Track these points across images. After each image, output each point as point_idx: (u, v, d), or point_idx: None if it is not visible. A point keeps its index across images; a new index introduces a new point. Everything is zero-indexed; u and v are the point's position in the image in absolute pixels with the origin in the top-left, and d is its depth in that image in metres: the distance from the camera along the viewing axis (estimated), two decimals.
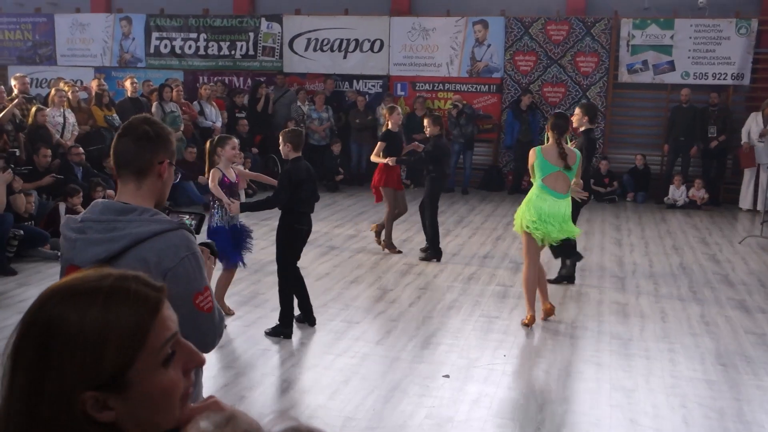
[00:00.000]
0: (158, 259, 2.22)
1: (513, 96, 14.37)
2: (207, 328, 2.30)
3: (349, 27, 15.03)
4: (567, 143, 6.64)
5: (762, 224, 10.55)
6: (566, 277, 7.95)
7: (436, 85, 14.81)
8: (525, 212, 6.54)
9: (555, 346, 6.20)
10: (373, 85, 15.07)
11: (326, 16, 15.15)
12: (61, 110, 11.09)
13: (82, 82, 14.20)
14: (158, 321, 1.15)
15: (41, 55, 16.59)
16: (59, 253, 2.45)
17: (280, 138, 6.36)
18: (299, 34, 15.31)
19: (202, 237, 3.83)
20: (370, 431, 4.60)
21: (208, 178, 6.41)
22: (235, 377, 5.50)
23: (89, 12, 16.49)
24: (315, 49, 15.27)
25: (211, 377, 5.31)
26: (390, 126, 8.99)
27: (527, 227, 6.49)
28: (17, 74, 11.95)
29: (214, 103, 13.64)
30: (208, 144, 6.57)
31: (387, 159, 8.80)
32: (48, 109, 10.87)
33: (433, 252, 8.92)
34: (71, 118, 11.27)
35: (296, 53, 15.37)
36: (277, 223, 6.39)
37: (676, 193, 13.05)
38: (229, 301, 6.84)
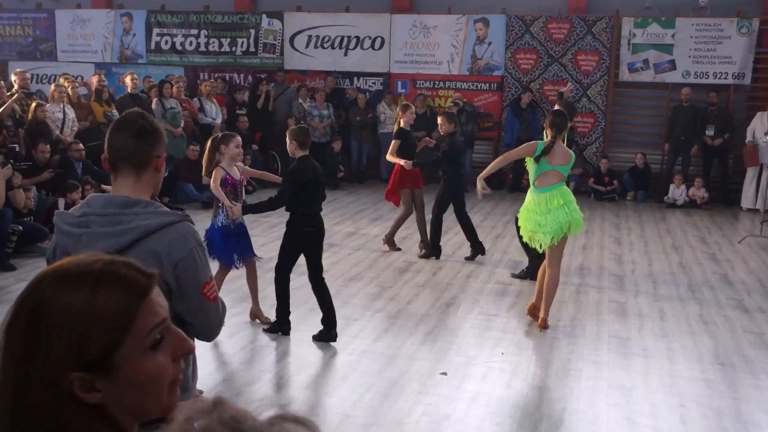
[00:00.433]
0: (168, 250, 2.28)
1: (514, 94, 14.36)
2: (212, 317, 2.42)
3: (350, 24, 15.01)
4: (564, 142, 6.64)
5: (762, 224, 10.54)
6: (529, 274, 7.85)
7: (437, 82, 14.79)
8: (525, 224, 6.58)
9: (553, 344, 6.20)
10: (374, 83, 15.06)
11: (327, 13, 15.14)
12: (61, 106, 11.08)
13: (82, 78, 14.20)
14: (146, 305, 1.16)
15: (42, 50, 16.58)
16: (50, 248, 2.43)
17: (287, 136, 6.16)
18: (300, 31, 15.30)
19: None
20: (367, 428, 4.60)
21: (209, 176, 6.27)
22: (233, 373, 5.50)
23: (90, 8, 16.48)
24: (316, 46, 15.26)
25: (209, 373, 5.30)
26: (402, 124, 8.91)
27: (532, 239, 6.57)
28: (17, 69, 11.95)
29: (215, 100, 13.63)
30: (210, 142, 6.38)
31: (404, 162, 8.73)
32: (48, 105, 10.87)
33: (432, 250, 8.92)
34: (71, 113, 11.27)
35: (297, 50, 15.36)
36: (278, 219, 6.36)
37: (676, 192, 13.04)
38: (227, 297, 6.81)
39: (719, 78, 13.53)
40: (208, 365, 5.46)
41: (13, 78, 11.44)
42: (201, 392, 4.21)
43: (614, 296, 7.56)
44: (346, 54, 15.13)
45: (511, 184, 14.00)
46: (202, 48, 15.83)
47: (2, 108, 10.09)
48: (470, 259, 8.83)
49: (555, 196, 6.42)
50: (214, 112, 13.42)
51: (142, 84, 13.35)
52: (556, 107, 7.55)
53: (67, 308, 1.12)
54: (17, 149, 9.45)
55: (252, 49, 15.59)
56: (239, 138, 6.48)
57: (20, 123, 10.40)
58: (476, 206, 12.37)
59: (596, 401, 5.12)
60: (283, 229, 6.24)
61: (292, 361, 5.82)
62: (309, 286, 6.34)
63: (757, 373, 5.68)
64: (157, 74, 14.49)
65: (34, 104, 10.58)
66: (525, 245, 7.10)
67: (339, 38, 15.11)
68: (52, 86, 11.51)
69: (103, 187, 9.40)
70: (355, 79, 15.11)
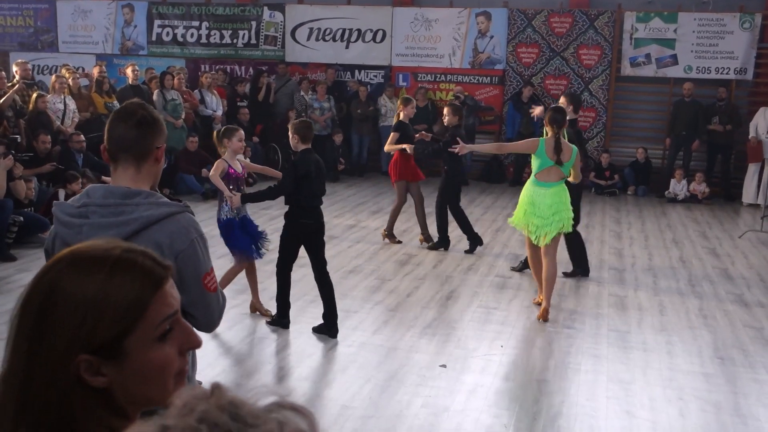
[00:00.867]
0: (170, 241, 2.28)
1: (515, 88, 14.34)
2: (213, 308, 2.42)
3: (352, 17, 14.98)
4: (564, 138, 6.66)
5: (762, 219, 10.54)
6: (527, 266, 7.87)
7: (438, 76, 14.77)
8: (521, 217, 6.71)
9: (553, 337, 6.21)
10: (375, 76, 15.04)
11: (329, 6, 15.10)
12: (62, 97, 11.07)
13: (83, 69, 14.18)
14: (159, 296, 1.17)
15: (43, 41, 16.56)
16: (49, 238, 2.43)
17: (290, 129, 6.20)
18: (301, 24, 15.27)
19: None
20: (366, 420, 4.61)
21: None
22: (232, 365, 5.51)
23: None
24: (317, 39, 15.24)
25: (208, 365, 5.31)
26: (402, 117, 8.94)
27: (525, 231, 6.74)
28: (19, 60, 11.93)
29: (215, 92, 13.61)
30: (215, 135, 6.43)
31: (406, 146, 8.74)
32: (48, 96, 10.86)
33: (441, 241, 8.97)
34: (72, 104, 11.26)
35: (298, 42, 15.33)
36: (277, 212, 6.36)
37: (677, 187, 13.04)
38: (227, 289, 6.82)
39: (721, 73, 13.50)
40: (208, 356, 5.47)
41: (14, 69, 11.42)
42: (200, 383, 4.22)
43: (614, 290, 7.57)
44: (347, 47, 15.10)
45: (511, 178, 14.00)
46: (204, 40, 15.80)
47: (3, 99, 10.08)
48: (470, 251, 8.84)
49: (559, 194, 6.56)
50: (215, 104, 13.40)
51: (144, 75, 13.34)
52: (562, 101, 7.52)
53: (81, 292, 1.13)
54: (19, 140, 9.44)
55: (253, 41, 15.57)
56: (242, 132, 6.49)
57: (21, 114, 10.39)
58: (476, 199, 12.37)
59: (595, 394, 5.13)
60: (282, 221, 6.24)
61: (292, 352, 5.82)
62: (309, 278, 6.38)
63: (756, 368, 5.68)
64: (158, 66, 14.45)
65: (34, 95, 10.57)
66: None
67: (340, 31, 15.08)
68: (53, 77, 11.49)
69: (102, 178, 9.40)
70: (357, 71, 15.09)
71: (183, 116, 12.40)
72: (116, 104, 11.93)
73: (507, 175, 14.28)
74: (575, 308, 6.98)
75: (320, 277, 6.14)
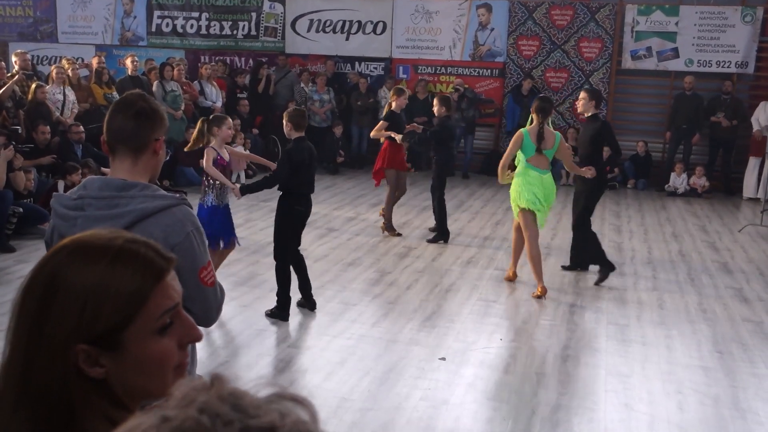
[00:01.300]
0: (165, 234, 2.23)
1: (515, 81, 14.31)
2: (210, 302, 2.37)
3: (352, 8, 14.94)
4: (549, 126, 6.95)
5: (762, 213, 10.54)
6: (579, 264, 7.86)
7: (439, 68, 14.74)
8: (523, 191, 6.90)
9: (552, 330, 6.21)
10: (375, 68, 15.01)
11: None
12: (61, 88, 11.04)
13: (83, 60, 14.14)
14: (160, 288, 1.17)
15: (42, 32, 16.51)
16: (48, 230, 2.41)
17: (284, 118, 6.30)
18: (302, 15, 15.23)
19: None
20: (365, 412, 4.61)
21: (192, 152, 6.39)
22: (231, 357, 5.51)
23: None
24: (317, 30, 15.20)
25: (207, 357, 5.32)
26: (394, 107, 8.98)
27: (529, 206, 6.88)
28: (18, 50, 11.90)
29: (215, 83, 13.58)
30: (200, 123, 6.46)
31: (394, 134, 8.79)
32: (48, 87, 10.83)
33: (440, 234, 8.97)
34: (71, 95, 11.23)
35: (299, 34, 15.29)
36: (276, 204, 6.37)
37: (677, 180, 13.03)
38: (226, 282, 6.82)
39: (722, 66, 13.47)
40: (206, 349, 5.48)
41: (13, 59, 11.39)
42: (200, 377, 4.22)
43: (613, 284, 7.56)
44: (347, 38, 15.06)
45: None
46: (203, 31, 15.76)
47: (2, 89, 10.05)
48: (432, 241, 8.91)
49: (550, 181, 6.99)
50: (215, 96, 13.37)
51: (143, 66, 13.30)
52: (582, 96, 7.45)
53: (81, 281, 1.13)
54: (19, 131, 9.43)
55: (253, 32, 15.53)
56: (230, 120, 6.58)
57: (20, 104, 10.37)
58: (476, 192, 12.37)
59: (594, 388, 5.13)
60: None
61: (291, 345, 5.83)
62: (309, 271, 6.38)
63: (755, 362, 5.69)
64: (158, 57, 14.42)
65: (33, 85, 10.54)
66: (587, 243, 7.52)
67: (341, 22, 15.04)
68: (52, 67, 11.46)
69: (103, 170, 9.38)
70: (357, 63, 15.05)
71: (183, 108, 12.38)
72: (116, 95, 11.91)
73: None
74: (574, 302, 6.98)
75: (295, 256, 6.35)
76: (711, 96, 13.25)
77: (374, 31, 14.90)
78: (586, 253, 7.72)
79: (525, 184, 6.91)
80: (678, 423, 4.65)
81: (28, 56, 11.84)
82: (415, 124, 9.65)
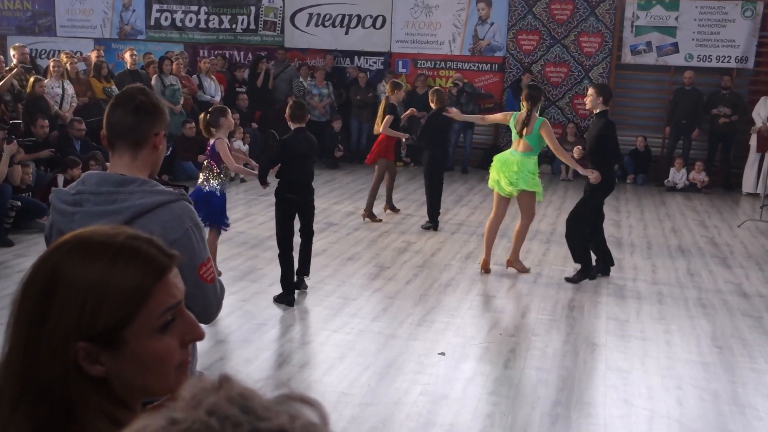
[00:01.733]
0: (163, 230, 2.19)
1: (515, 75, 14.28)
2: (209, 299, 2.33)
3: (352, 2, 14.89)
4: (536, 113, 7.28)
5: (762, 208, 10.53)
6: (600, 270, 7.58)
7: (438, 62, 14.71)
8: (491, 172, 7.50)
9: (551, 326, 6.21)
10: (375, 62, 14.97)
11: None
12: (60, 81, 11.01)
13: (81, 54, 14.10)
14: (162, 286, 1.15)
15: (41, 25, 16.45)
16: (47, 226, 2.40)
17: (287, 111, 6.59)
18: (301, 9, 15.19)
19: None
20: (364, 407, 4.61)
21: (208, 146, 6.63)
22: (231, 351, 5.50)
23: None
24: (317, 24, 15.16)
25: (206, 351, 5.31)
26: (392, 100, 9.29)
27: (491, 185, 7.53)
28: (16, 44, 11.85)
29: (214, 77, 13.55)
30: (203, 115, 6.69)
31: (402, 135, 9.30)
32: (46, 80, 10.80)
33: (429, 222, 9.28)
34: (70, 89, 11.20)
35: (298, 28, 15.25)
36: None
37: (677, 175, 13.02)
38: (225, 276, 6.83)
39: (722, 61, 13.45)
40: (206, 343, 5.47)
41: (12, 53, 11.35)
42: (201, 374, 4.21)
43: (613, 279, 7.56)
44: (347, 32, 15.02)
45: None
46: (202, 25, 15.71)
47: (1, 83, 10.02)
48: (426, 228, 9.20)
49: (524, 162, 7.23)
50: (214, 90, 13.34)
51: (142, 60, 13.27)
52: (590, 92, 7.32)
53: (82, 277, 1.11)
54: (21, 125, 9.41)
55: (252, 26, 15.49)
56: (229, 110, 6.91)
57: (19, 98, 10.34)
58: (476, 187, 12.35)
59: (593, 383, 5.13)
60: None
61: (290, 339, 5.82)
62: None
63: (754, 357, 5.69)
64: (157, 51, 14.37)
65: (32, 79, 10.50)
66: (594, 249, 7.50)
67: (340, 16, 15.00)
68: (51, 61, 11.42)
69: (106, 164, 9.36)
70: (356, 58, 15.02)
71: (182, 102, 12.35)
72: (114, 89, 11.88)
73: None
74: (574, 297, 6.98)
75: (305, 243, 6.65)
76: (711, 91, 13.24)
77: (374, 25, 14.86)
78: (586, 252, 7.63)
79: (494, 165, 7.41)
80: (677, 418, 4.65)
81: (27, 50, 11.78)
82: (414, 109, 9.88)
